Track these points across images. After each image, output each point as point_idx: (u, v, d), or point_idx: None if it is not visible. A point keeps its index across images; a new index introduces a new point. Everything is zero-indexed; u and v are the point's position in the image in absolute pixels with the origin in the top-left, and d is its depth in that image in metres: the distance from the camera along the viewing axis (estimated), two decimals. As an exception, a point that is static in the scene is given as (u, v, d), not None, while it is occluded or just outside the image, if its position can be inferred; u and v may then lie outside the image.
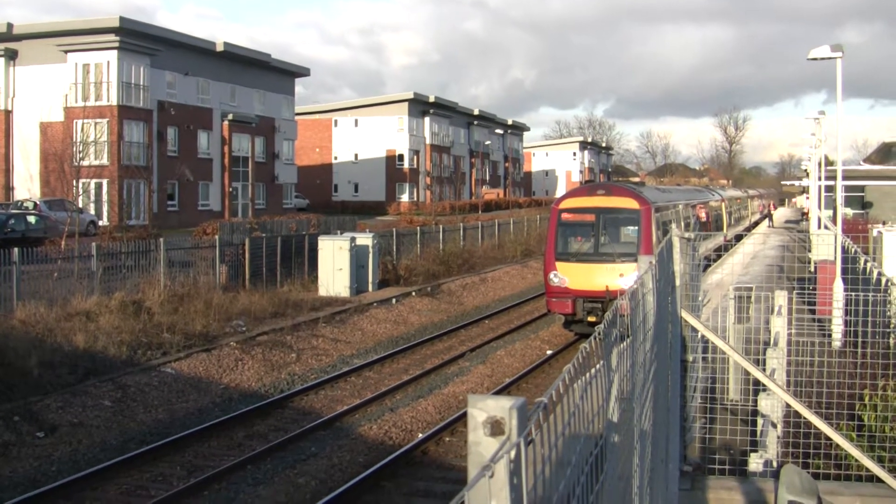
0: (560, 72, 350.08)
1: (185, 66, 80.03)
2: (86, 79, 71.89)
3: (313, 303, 38.81)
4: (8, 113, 74.90)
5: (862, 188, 72.87)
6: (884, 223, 42.86)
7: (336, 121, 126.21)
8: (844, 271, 24.74)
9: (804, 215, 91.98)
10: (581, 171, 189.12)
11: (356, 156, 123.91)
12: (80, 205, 55.02)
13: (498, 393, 26.75)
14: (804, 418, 11.28)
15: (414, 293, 44.61)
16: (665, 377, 9.03)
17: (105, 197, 69.14)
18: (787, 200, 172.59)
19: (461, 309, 44.73)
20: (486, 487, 2.62)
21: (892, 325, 16.61)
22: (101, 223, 61.45)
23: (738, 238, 54.21)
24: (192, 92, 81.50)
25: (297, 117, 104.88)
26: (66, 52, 71.88)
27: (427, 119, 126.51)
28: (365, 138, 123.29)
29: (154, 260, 36.38)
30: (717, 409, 13.61)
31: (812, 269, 30.72)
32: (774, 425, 12.43)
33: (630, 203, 33.86)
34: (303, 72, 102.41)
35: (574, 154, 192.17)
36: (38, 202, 57.44)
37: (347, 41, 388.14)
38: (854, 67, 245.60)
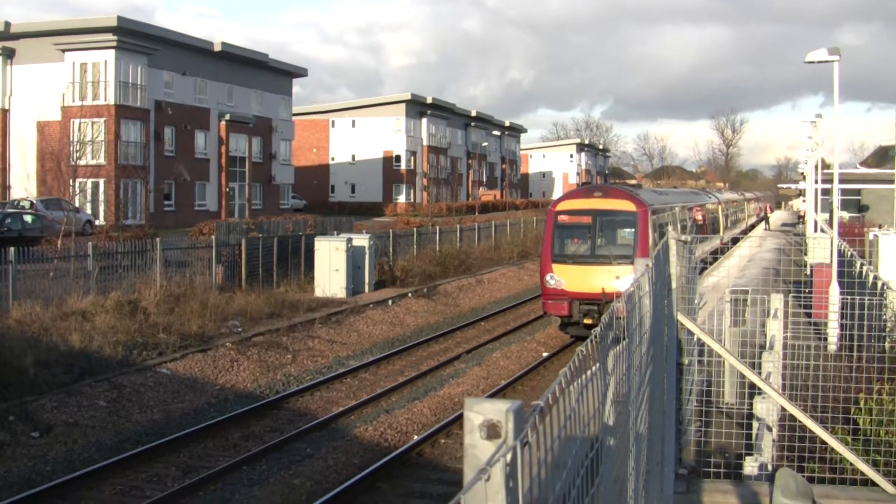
0: (558, 73, 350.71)
1: (182, 66, 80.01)
2: (83, 78, 71.83)
3: (309, 304, 38.80)
4: (5, 112, 74.80)
5: (858, 191, 72.98)
6: (880, 226, 42.91)
7: (333, 121, 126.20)
8: (840, 275, 24.79)
9: (800, 218, 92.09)
10: (578, 173, 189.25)
11: (353, 156, 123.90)
12: (77, 204, 55.10)
13: (493, 395, 26.77)
14: (799, 422, 11.28)
15: (410, 294, 44.60)
16: (661, 380, 9.03)
17: (102, 196, 69.08)
18: (783, 203, 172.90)
19: (457, 310, 44.73)
20: (482, 491, 2.62)
21: (887, 329, 16.63)
22: (97, 223, 61.34)
23: (735, 241, 54.29)
24: (190, 92, 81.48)
25: (294, 118, 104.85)
26: (63, 51, 71.84)
27: (424, 120, 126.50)
28: (362, 139, 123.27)
29: (150, 260, 36.37)
30: (713, 412, 13.61)
31: (808, 273, 30.80)
32: (770, 429, 12.44)
33: (627, 205, 33.86)
34: (300, 72, 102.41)
35: (571, 156, 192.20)
36: (34, 201, 57.37)
37: (345, 41, 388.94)
38: (851, 70, 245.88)
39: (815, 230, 46.08)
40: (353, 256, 42.61)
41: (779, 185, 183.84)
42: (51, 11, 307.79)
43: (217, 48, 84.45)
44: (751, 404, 12.96)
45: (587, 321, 32.67)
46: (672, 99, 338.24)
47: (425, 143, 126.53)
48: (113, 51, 70.89)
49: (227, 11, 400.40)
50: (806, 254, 34.60)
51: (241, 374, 28.37)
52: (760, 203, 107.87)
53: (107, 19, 73.39)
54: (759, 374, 12.31)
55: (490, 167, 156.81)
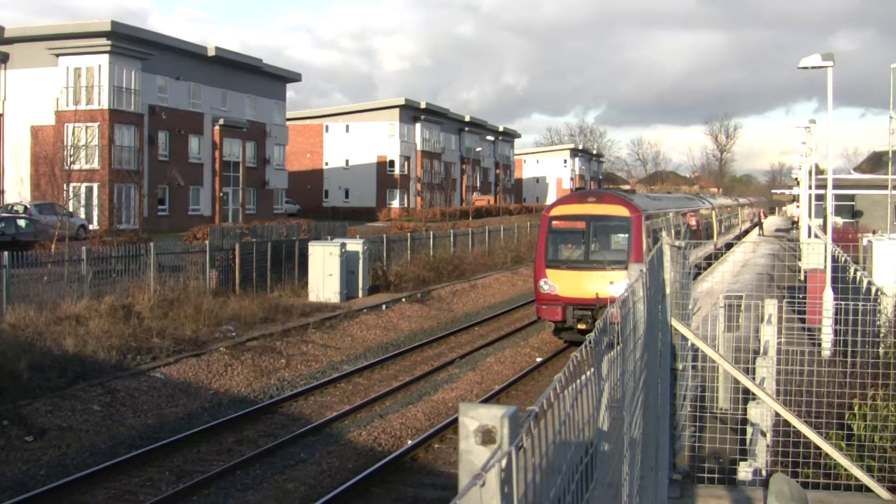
0: (551, 77, 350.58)
1: (176, 71, 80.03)
2: (77, 82, 71.87)
3: (303, 308, 38.77)
4: (-1, 116, 74.88)
5: (852, 197, 73.10)
6: (874, 232, 42.94)
7: (327, 126, 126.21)
8: (834, 280, 24.82)
9: (794, 224, 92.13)
10: (572, 179, 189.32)
11: (347, 161, 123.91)
12: (71, 209, 55.03)
13: (487, 400, 26.77)
14: (793, 427, 11.30)
15: (404, 299, 44.59)
16: (655, 385, 9.04)
17: (95, 201, 69.11)
18: (777, 209, 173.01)
19: (451, 315, 44.72)
20: (477, 496, 2.62)
21: (881, 335, 16.65)
22: (91, 227, 61.40)
23: (729, 246, 54.34)
24: (184, 96, 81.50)
25: (288, 122, 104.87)
26: (57, 55, 71.84)
27: (418, 125, 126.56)
28: (356, 144, 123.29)
29: (144, 264, 36.34)
30: (707, 417, 13.63)
31: (802, 278, 30.80)
32: (764, 434, 12.46)
33: (621, 210, 33.87)
34: (294, 77, 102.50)
35: (565, 161, 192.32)
36: (28, 206, 57.35)
37: (339, 45, 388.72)
38: (845, 75, 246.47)
39: (809, 236, 46.09)
40: (347, 261, 42.60)
41: (773, 191, 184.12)
42: (45, 16, 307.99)
43: (211, 53, 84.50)
44: (745, 409, 12.98)
45: (581, 326, 32.67)
46: (666, 104, 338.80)
47: (419, 147, 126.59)
48: (107, 55, 70.91)
49: (221, 16, 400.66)
50: (800, 259, 34.56)
51: (235, 378, 28.35)
52: (754, 208, 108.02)
53: (101, 24, 73.37)
54: (753, 379, 12.32)
55: (484, 172, 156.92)
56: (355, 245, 44.22)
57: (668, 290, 10.47)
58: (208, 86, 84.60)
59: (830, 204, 33.63)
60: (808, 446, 11.62)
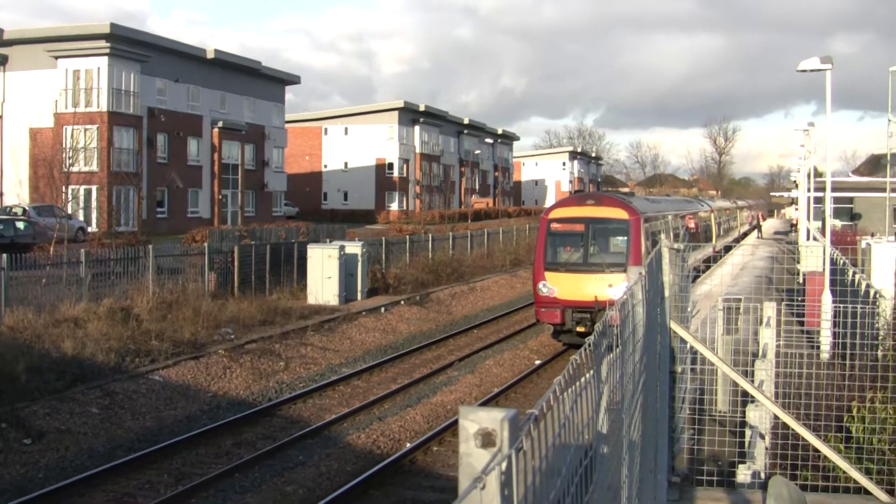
0: (550, 80, 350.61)
1: (175, 73, 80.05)
2: (76, 85, 71.88)
3: (302, 311, 38.76)
4: (-3, 118, 74.87)
5: (851, 200, 73.12)
6: (872, 235, 42.96)
7: (326, 129, 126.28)
8: (833, 283, 24.79)
9: (793, 226, 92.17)
10: (570, 181, 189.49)
11: (346, 164, 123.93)
12: (70, 211, 55.04)
13: (486, 403, 26.79)
14: (792, 430, 11.30)
15: (403, 302, 44.59)
16: (654, 388, 9.04)
17: (94, 203, 69.11)
18: (776, 211, 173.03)
19: (450, 318, 44.72)
20: (477, 499, 2.62)
21: (880, 338, 16.65)
22: (90, 229, 61.35)
23: (728, 249, 54.33)
24: (183, 99, 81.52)
25: (287, 125, 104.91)
26: (56, 57, 71.86)
27: (417, 128, 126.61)
28: (355, 146, 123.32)
29: (143, 267, 36.32)
30: (706, 420, 13.63)
31: (801, 281, 30.79)
32: (763, 437, 12.46)
33: (619, 213, 33.88)
34: (293, 79, 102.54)
35: (564, 164, 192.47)
36: (27, 208, 57.30)
37: (338, 48, 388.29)
38: (844, 78, 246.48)
39: (808, 238, 46.09)
40: (346, 264, 42.60)
41: (771, 194, 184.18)
42: (44, 18, 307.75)
43: (210, 55, 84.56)
44: (744, 412, 12.98)
45: (580, 329, 32.69)
46: (664, 107, 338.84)
47: (418, 150, 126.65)
48: (106, 58, 70.94)
49: (219, 18, 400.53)
50: (798, 262, 34.59)
51: (234, 381, 28.34)
52: (753, 211, 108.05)
53: (100, 26, 73.38)
54: (752, 382, 12.33)
55: (483, 175, 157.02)
56: (354, 247, 44.23)
57: (666, 293, 10.47)
58: (207, 88, 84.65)
59: (829, 207, 33.68)
60: (806, 449, 11.62)
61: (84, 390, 24.45)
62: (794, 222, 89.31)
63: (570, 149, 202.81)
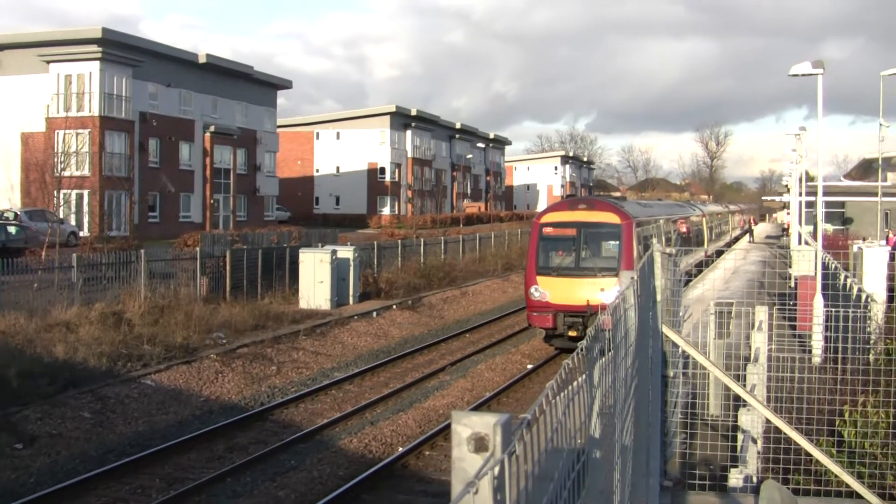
0: (542, 85, 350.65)
1: (167, 78, 79.94)
2: (68, 89, 71.76)
3: (294, 315, 38.78)
4: (-11, 123, 74.70)
5: (842, 204, 73.30)
6: (864, 239, 43.06)
7: (318, 133, 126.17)
8: (825, 287, 24.85)
9: (785, 231, 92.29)
10: (562, 186, 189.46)
11: (338, 168, 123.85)
12: (61, 215, 54.87)
13: (478, 407, 26.80)
14: (784, 434, 11.31)
15: (395, 306, 44.60)
16: (646, 392, 9.05)
17: (86, 208, 68.95)
18: (767, 216, 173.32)
19: (442, 322, 44.73)
20: (470, 504, 2.62)
21: (871, 341, 16.67)
22: (81, 234, 61.22)
23: (719, 253, 54.45)
24: (175, 103, 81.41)
25: (279, 129, 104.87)
26: (48, 62, 71.72)
27: (409, 132, 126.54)
28: (347, 151, 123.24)
29: (135, 271, 36.32)
30: (698, 424, 13.63)
31: (792, 285, 30.88)
32: (755, 441, 12.47)
33: (611, 218, 33.90)
34: (285, 84, 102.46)
35: (556, 168, 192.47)
36: (18, 212, 57.09)
37: (330, 53, 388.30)
38: (835, 83, 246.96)
39: (800, 242, 46.17)
40: (338, 268, 42.61)
41: (763, 198, 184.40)
42: (35, 22, 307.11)
43: (202, 60, 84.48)
44: (736, 416, 13.00)
45: (572, 333, 32.68)
46: (656, 111, 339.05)
47: (410, 155, 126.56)
48: (98, 62, 70.80)
49: (212, 23, 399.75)
50: (790, 266, 34.65)
51: (226, 385, 28.33)
52: (745, 215, 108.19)
53: (92, 31, 73.29)
54: (744, 386, 12.34)
55: (474, 179, 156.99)
56: (346, 252, 44.24)
57: (658, 297, 10.48)
58: (199, 93, 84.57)
59: (821, 211, 33.73)
60: (798, 453, 11.63)
61: (76, 395, 24.43)
62: (786, 226, 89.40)
63: (562, 153, 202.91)
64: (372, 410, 26.66)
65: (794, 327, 21.05)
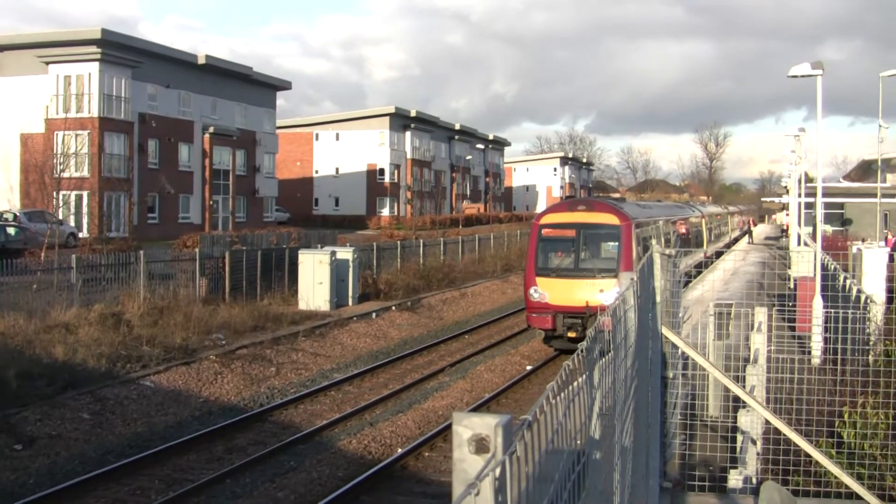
0: (541, 86, 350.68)
1: (166, 79, 79.95)
2: (67, 90, 71.78)
3: (293, 316, 38.78)
4: (-12, 124, 74.70)
5: (842, 205, 73.34)
6: (863, 240, 43.06)
7: (317, 134, 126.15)
8: (824, 288, 24.86)
9: (784, 232, 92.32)
10: (562, 187, 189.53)
11: (337, 169, 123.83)
12: (61, 216, 54.88)
13: (478, 408, 26.79)
14: (784, 435, 11.30)
15: (394, 307, 44.60)
16: (646, 393, 9.04)
17: (85, 209, 68.96)
18: (767, 217, 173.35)
19: (441, 323, 44.72)
20: (471, 505, 2.62)
21: (871, 343, 16.68)
22: (81, 235, 61.22)
23: (719, 254, 54.41)
24: (174, 104, 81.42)
25: (278, 130, 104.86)
26: (47, 63, 71.72)
27: (408, 133, 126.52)
28: (346, 152, 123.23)
29: (134, 272, 36.30)
30: (697, 425, 13.63)
31: (792, 286, 30.86)
32: (754, 442, 12.47)
33: (611, 219, 33.88)
34: (284, 85, 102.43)
35: (555, 169, 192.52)
36: (17, 213, 57.14)
37: (329, 54, 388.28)
38: (834, 84, 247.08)
39: (799, 244, 46.15)
40: (337, 269, 42.62)
41: (762, 199, 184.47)
42: (34, 24, 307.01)
43: (201, 61, 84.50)
44: (735, 417, 12.99)
45: (571, 334, 32.66)
46: (655, 113, 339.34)
47: (409, 156, 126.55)
48: (97, 63, 70.81)
49: (211, 24, 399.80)
50: (789, 267, 34.65)
51: (225, 386, 28.32)
52: (744, 216, 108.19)
53: (91, 32, 73.34)
54: (744, 387, 12.33)
55: (474, 180, 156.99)
56: (345, 253, 44.23)
57: (658, 299, 10.47)
58: (198, 94, 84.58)
59: (820, 212, 33.72)
60: (798, 454, 11.62)
61: (75, 396, 24.43)
62: (785, 228, 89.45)
63: (562, 154, 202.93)
64: (371, 412, 26.65)
65: (793, 328, 21.05)
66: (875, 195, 53.74)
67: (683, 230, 49.92)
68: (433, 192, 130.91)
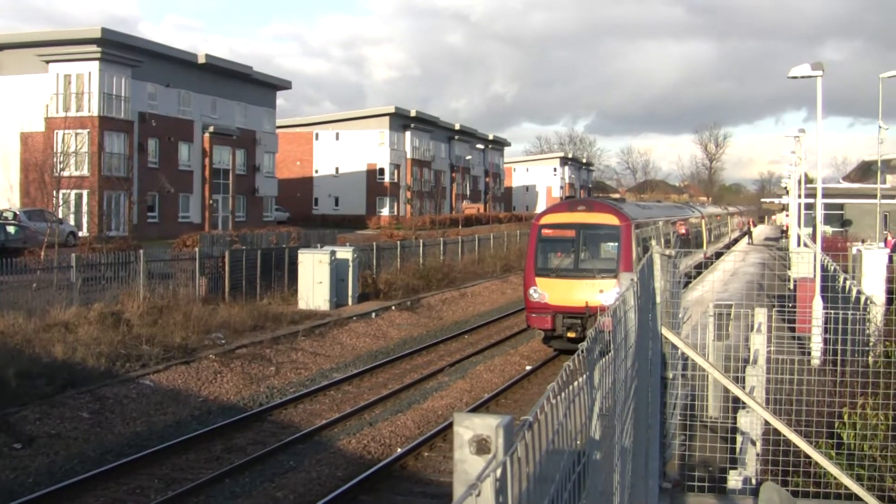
0: (541, 86, 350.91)
1: (166, 78, 79.95)
2: (67, 89, 71.77)
3: (293, 316, 38.76)
4: (-12, 122, 74.69)
5: (841, 206, 73.26)
6: (863, 241, 43.02)
7: (317, 134, 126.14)
8: (824, 289, 24.86)
9: (784, 233, 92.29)
10: (561, 187, 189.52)
11: (337, 169, 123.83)
12: (60, 215, 54.83)
13: (477, 408, 26.77)
14: (783, 436, 11.29)
15: (394, 307, 44.59)
16: (645, 394, 9.04)
17: (85, 208, 68.96)
18: (766, 217, 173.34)
19: (441, 323, 44.71)
20: (472, 505, 2.62)
21: (870, 343, 16.68)
22: (80, 234, 61.24)
23: (718, 255, 54.43)
24: (174, 103, 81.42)
25: (278, 130, 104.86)
26: (47, 62, 71.71)
27: (408, 133, 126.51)
28: (346, 152, 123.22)
29: (134, 271, 36.28)
30: (697, 426, 13.63)
31: (791, 287, 30.85)
32: (754, 443, 12.46)
33: (610, 219, 33.86)
34: (284, 84, 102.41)
35: (555, 170, 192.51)
36: (17, 212, 57.09)
37: (329, 54, 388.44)
38: (834, 85, 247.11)
39: (799, 244, 46.13)
40: (337, 269, 42.60)
41: (762, 200, 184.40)
42: (34, 23, 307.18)
43: (201, 60, 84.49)
44: (735, 418, 12.98)
45: (570, 335, 32.65)
46: (655, 113, 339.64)
47: (409, 156, 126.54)
48: (97, 62, 70.82)
49: (210, 24, 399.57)
50: (789, 268, 34.62)
51: (225, 386, 28.31)
52: (744, 217, 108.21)
53: (91, 31, 73.34)
54: (743, 388, 12.33)
55: (474, 180, 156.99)
56: (345, 253, 44.21)
57: (658, 299, 10.47)
58: (198, 93, 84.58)
59: (820, 213, 33.70)
60: (797, 455, 11.61)
61: (74, 395, 24.41)
62: (785, 228, 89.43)
63: (561, 155, 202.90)
64: (370, 411, 26.64)
65: (793, 329, 21.04)
66: (875, 196, 53.72)
67: (683, 231, 49.92)
68: (433, 192, 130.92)
